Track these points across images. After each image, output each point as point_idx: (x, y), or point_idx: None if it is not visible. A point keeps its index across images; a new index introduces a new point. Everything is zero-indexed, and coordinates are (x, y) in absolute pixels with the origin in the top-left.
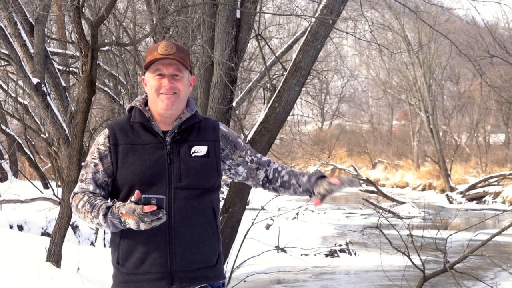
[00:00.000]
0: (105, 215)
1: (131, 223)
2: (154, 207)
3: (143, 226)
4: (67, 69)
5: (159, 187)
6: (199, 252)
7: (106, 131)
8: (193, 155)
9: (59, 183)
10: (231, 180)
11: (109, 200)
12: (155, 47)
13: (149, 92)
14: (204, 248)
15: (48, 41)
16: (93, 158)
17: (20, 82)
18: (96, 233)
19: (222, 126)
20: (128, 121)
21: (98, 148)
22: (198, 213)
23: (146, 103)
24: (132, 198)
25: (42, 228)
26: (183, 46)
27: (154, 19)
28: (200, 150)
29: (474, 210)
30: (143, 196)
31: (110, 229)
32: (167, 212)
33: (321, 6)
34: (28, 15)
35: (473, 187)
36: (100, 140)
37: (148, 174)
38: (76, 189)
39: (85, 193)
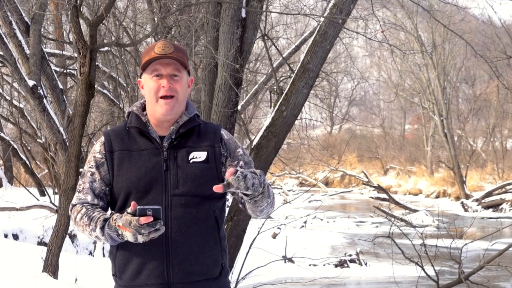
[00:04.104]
0: (102, 228)
1: (128, 236)
2: (151, 219)
3: (140, 239)
4: (65, 71)
5: (155, 195)
6: (198, 263)
7: (102, 138)
8: (191, 161)
9: (56, 190)
10: None
11: (108, 211)
12: (152, 47)
13: (147, 95)
14: (205, 259)
15: (45, 41)
16: (90, 167)
17: (15, 85)
18: (95, 243)
19: (223, 132)
20: (124, 127)
21: (94, 157)
22: (198, 222)
23: (144, 107)
24: (129, 210)
25: (39, 237)
26: (180, 45)
27: (156, 19)
28: (199, 155)
29: (491, 218)
30: (138, 207)
31: (109, 242)
32: (164, 223)
33: (330, 5)
34: (23, 14)
35: (489, 194)
36: (96, 148)
37: (143, 181)
38: (74, 200)
39: (83, 204)
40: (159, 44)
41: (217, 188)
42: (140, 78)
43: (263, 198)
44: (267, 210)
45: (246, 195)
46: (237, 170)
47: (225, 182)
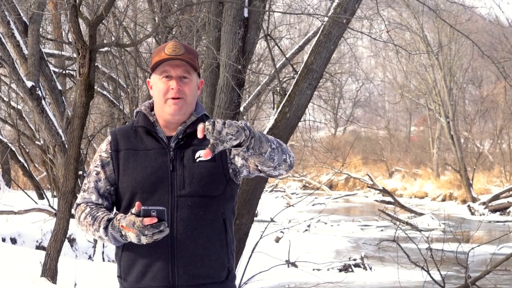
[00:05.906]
0: (105, 228)
1: (131, 237)
2: (155, 220)
3: (144, 240)
4: (64, 72)
5: (161, 196)
6: (204, 266)
7: (109, 137)
8: (197, 160)
9: (54, 193)
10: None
11: (114, 211)
12: (162, 47)
13: (155, 96)
14: (211, 262)
15: (43, 41)
16: (96, 166)
17: (13, 86)
18: (94, 247)
19: None
20: (132, 126)
21: (100, 156)
22: (205, 223)
23: (152, 108)
24: (133, 210)
25: (37, 241)
26: (191, 47)
27: (156, 18)
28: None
29: (498, 222)
30: (143, 208)
31: (112, 243)
32: (169, 224)
33: (334, 4)
34: (22, 14)
35: (496, 197)
36: (103, 147)
37: (149, 182)
38: (78, 200)
39: (88, 204)
40: (170, 45)
41: (206, 154)
42: (149, 78)
43: (257, 142)
44: (279, 156)
45: (239, 146)
46: (204, 124)
47: (209, 146)
